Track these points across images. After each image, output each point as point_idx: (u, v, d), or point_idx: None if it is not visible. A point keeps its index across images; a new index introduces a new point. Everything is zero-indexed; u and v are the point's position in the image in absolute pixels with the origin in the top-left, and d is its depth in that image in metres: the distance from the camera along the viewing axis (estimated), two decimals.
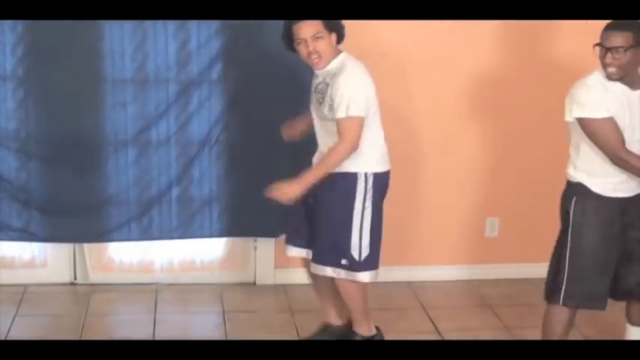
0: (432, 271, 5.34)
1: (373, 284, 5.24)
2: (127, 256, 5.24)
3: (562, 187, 5.39)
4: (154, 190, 4.98)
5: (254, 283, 5.28)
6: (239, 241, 5.25)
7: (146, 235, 5.06)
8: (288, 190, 4.14)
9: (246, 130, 4.94)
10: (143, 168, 4.95)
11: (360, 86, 4.11)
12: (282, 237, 5.15)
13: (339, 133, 4.08)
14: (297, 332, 4.69)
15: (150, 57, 4.81)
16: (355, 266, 4.23)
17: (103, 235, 5.03)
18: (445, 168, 5.22)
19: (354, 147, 4.10)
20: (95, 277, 5.20)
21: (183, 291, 5.16)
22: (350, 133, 4.07)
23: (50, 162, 4.88)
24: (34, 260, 5.19)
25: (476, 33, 5.03)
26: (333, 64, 4.12)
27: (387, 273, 5.29)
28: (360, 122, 4.08)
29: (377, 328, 4.48)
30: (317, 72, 4.18)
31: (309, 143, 4.99)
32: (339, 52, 4.16)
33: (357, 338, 4.42)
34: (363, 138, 4.13)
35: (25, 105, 4.80)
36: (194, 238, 5.12)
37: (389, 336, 4.64)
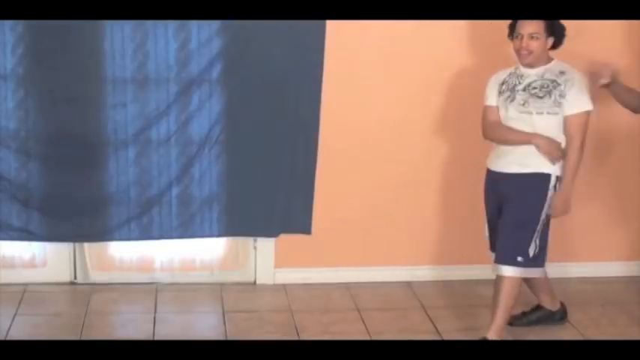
0: (431, 271, 5.34)
1: (373, 284, 5.26)
2: (127, 256, 5.24)
3: None
4: (154, 189, 4.98)
5: (254, 283, 5.28)
6: (239, 241, 5.24)
7: (146, 234, 5.05)
8: (565, 207, 4.42)
9: (246, 130, 4.94)
10: (143, 167, 4.95)
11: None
12: (282, 237, 5.17)
13: (575, 127, 4.34)
14: (297, 332, 4.68)
15: (150, 57, 4.80)
16: (527, 263, 4.41)
17: (103, 234, 5.03)
18: (445, 167, 5.22)
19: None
20: (95, 276, 5.20)
21: (183, 290, 5.16)
22: (585, 127, 4.37)
23: (50, 161, 4.87)
24: (34, 259, 5.18)
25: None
26: (554, 65, 4.40)
27: (387, 273, 5.32)
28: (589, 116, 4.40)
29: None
30: (529, 71, 4.41)
31: (309, 143, 5.02)
32: (551, 58, 4.43)
33: (485, 338, 4.45)
34: (562, 136, 4.39)
35: (25, 105, 4.80)
36: (194, 238, 5.11)
37: (389, 336, 4.65)
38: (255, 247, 5.25)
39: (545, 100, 4.35)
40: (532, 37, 4.33)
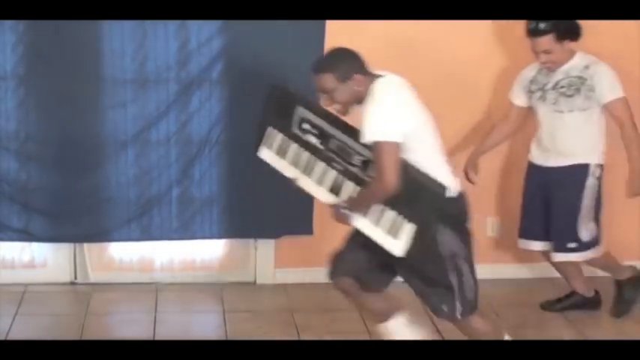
0: None
1: None
2: (127, 256, 5.24)
3: None
4: (154, 190, 4.98)
5: (254, 283, 5.28)
6: (239, 240, 5.25)
7: (146, 235, 5.06)
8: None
9: (246, 130, 4.93)
10: (143, 168, 4.95)
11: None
12: (283, 237, 5.17)
13: (620, 111, 4.48)
14: (297, 332, 4.69)
15: (150, 57, 4.81)
16: (582, 247, 4.67)
17: (103, 234, 5.03)
18: None
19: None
20: (95, 276, 5.20)
21: (184, 290, 5.16)
22: (628, 107, 4.51)
23: (50, 162, 4.88)
24: (34, 260, 5.19)
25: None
26: (578, 60, 4.52)
27: None
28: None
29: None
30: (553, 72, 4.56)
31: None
32: (573, 52, 4.53)
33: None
34: (595, 127, 4.55)
35: (25, 105, 4.80)
36: (194, 239, 5.11)
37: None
38: (255, 247, 5.25)
39: (575, 99, 4.47)
40: (547, 52, 4.42)
